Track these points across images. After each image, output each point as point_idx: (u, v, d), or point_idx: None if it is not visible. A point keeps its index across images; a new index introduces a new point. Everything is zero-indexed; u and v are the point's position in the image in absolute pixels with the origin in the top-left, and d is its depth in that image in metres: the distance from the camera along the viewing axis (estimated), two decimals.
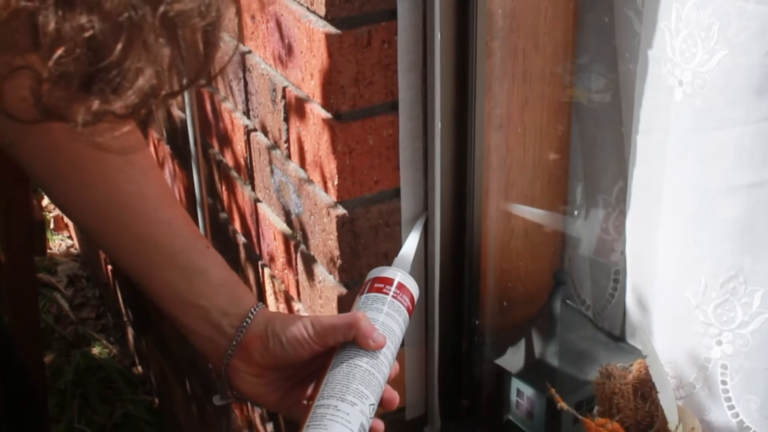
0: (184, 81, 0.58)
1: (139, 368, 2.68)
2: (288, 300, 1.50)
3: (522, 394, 1.40)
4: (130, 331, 2.68)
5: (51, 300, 2.99)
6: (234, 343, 1.01)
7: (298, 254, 1.41)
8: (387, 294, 1.03)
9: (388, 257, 1.32)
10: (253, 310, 1.02)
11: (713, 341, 1.24)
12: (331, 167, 1.24)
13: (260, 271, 1.59)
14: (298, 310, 1.47)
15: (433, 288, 1.34)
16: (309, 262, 1.38)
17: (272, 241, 1.50)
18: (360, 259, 1.30)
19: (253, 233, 1.58)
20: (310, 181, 1.32)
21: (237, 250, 1.67)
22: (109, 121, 0.58)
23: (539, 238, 1.43)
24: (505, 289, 1.44)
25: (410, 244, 1.15)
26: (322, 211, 1.29)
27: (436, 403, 1.44)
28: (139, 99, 0.55)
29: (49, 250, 3.17)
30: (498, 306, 1.44)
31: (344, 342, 0.98)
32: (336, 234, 1.27)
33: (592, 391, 1.33)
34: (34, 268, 2.27)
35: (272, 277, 1.55)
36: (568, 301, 1.40)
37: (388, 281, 1.04)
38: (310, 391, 1.03)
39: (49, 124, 0.71)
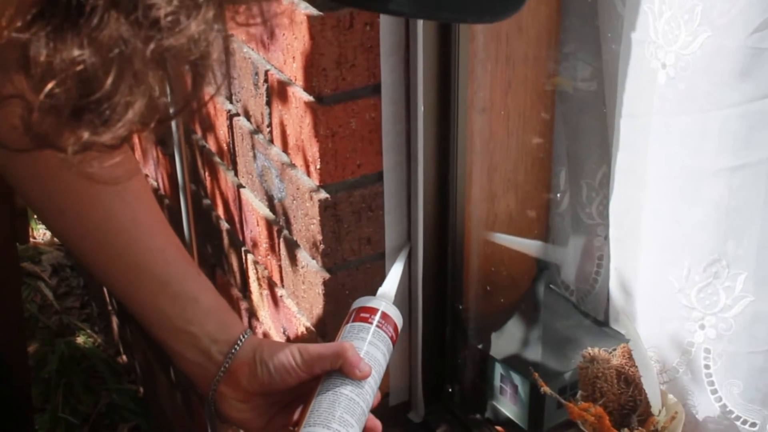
0: (172, 111, 0.58)
1: (124, 357, 2.67)
2: (271, 286, 1.49)
3: (506, 379, 1.39)
4: (114, 321, 2.67)
5: (35, 289, 2.98)
6: (222, 369, 1.02)
7: (281, 239, 1.40)
8: (371, 324, 1.05)
9: (371, 242, 1.31)
10: (242, 337, 1.03)
11: (696, 325, 1.24)
12: (313, 151, 1.24)
13: (243, 257, 1.58)
14: (281, 296, 1.47)
15: (417, 273, 1.34)
16: (292, 247, 1.37)
17: (255, 227, 1.49)
18: (343, 243, 1.29)
19: (236, 219, 1.57)
20: (292, 166, 1.31)
21: (220, 236, 1.67)
22: (99, 150, 0.58)
23: (523, 223, 1.43)
24: (488, 274, 1.43)
25: (394, 275, 1.16)
26: (305, 195, 1.29)
27: (420, 389, 1.43)
28: (128, 131, 0.56)
29: (32, 239, 3.16)
30: (481, 291, 1.44)
31: (330, 370, 1.00)
32: (319, 218, 1.27)
33: (575, 376, 1.33)
34: (16, 256, 2.25)
35: (255, 263, 1.54)
36: (551, 286, 1.39)
37: (373, 311, 1.06)
38: (295, 417, 1.04)
39: (40, 151, 0.73)
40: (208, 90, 0.59)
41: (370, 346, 1.03)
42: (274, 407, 1.05)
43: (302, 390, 1.02)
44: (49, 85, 0.53)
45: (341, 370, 0.99)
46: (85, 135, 0.56)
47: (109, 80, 0.53)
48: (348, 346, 1.00)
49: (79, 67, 0.53)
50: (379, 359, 1.03)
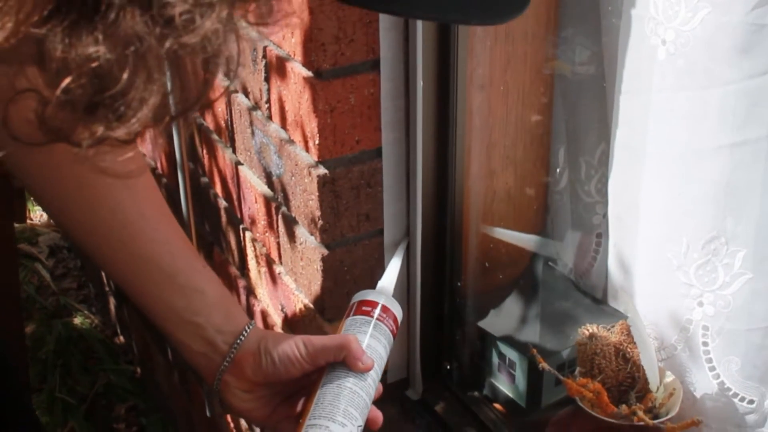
0: (183, 107, 0.59)
1: (121, 338, 2.67)
2: (269, 263, 1.49)
3: (504, 356, 1.39)
4: (111, 301, 2.67)
5: (32, 271, 2.98)
6: (227, 359, 1.04)
7: (279, 216, 1.40)
8: (372, 317, 1.06)
9: (369, 218, 1.31)
10: (247, 327, 1.05)
11: (695, 302, 1.24)
12: (312, 126, 1.23)
13: (241, 234, 1.58)
14: (279, 273, 1.46)
15: (415, 250, 1.34)
16: (290, 223, 1.37)
17: (253, 204, 1.49)
18: (341, 219, 1.29)
19: (234, 197, 1.57)
20: (291, 142, 1.31)
21: (218, 214, 1.66)
22: (112, 145, 0.59)
23: (521, 200, 1.43)
24: (487, 251, 1.43)
25: (393, 268, 1.17)
26: (303, 171, 1.28)
27: (418, 367, 1.43)
28: (142, 126, 0.56)
29: (30, 221, 3.15)
30: (480, 268, 1.43)
31: (333, 362, 1.01)
32: (317, 194, 1.27)
33: (573, 354, 1.33)
34: (13, 235, 2.25)
35: (253, 240, 1.54)
36: (550, 264, 1.39)
37: (374, 304, 1.06)
38: (298, 408, 1.06)
39: (50, 145, 0.74)
40: (220, 85, 0.59)
41: (372, 339, 1.04)
42: (276, 398, 1.06)
43: (305, 381, 1.04)
44: (65, 81, 0.54)
45: (345, 363, 1.00)
46: (100, 130, 0.57)
47: (125, 76, 0.54)
48: (352, 338, 1.01)
49: (95, 64, 0.53)
50: (381, 352, 1.04)
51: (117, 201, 1.05)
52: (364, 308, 1.06)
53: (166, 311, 1.05)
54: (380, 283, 1.12)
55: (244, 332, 1.04)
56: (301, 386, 1.05)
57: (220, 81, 0.59)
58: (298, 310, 1.43)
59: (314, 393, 1.00)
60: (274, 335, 1.05)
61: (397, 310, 1.08)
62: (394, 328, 1.07)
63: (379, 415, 1.04)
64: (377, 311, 1.06)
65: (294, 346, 1.02)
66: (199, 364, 1.06)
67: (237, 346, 1.04)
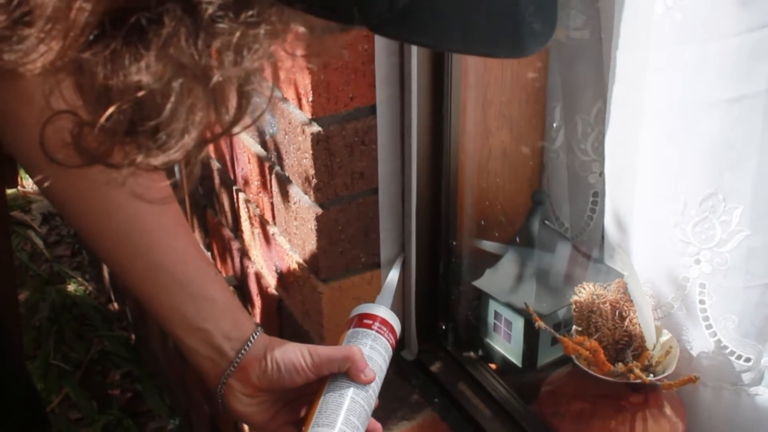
0: (220, 131, 0.59)
1: (115, 305, 2.66)
2: (263, 224, 1.48)
3: (500, 316, 1.39)
4: (105, 268, 2.66)
5: (25, 238, 2.96)
6: (234, 364, 1.07)
7: (273, 176, 1.39)
8: (373, 330, 1.09)
9: (364, 176, 1.30)
10: (254, 334, 1.08)
11: (692, 260, 1.23)
12: (305, 83, 1.22)
13: (235, 196, 1.57)
14: (273, 234, 1.45)
15: (410, 209, 1.32)
16: (284, 183, 1.36)
17: (246, 165, 1.48)
18: (335, 177, 1.28)
19: (227, 157, 1.55)
20: (284, 99, 1.30)
21: (211, 176, 1.65)
22: (148, 170, 0.59)
23: (517, 158, 1.42)
24: (482, 209, 1.42)
25: (390, 282, 1.19)
26: (297, 129, 1.27)
27: (414, 327, 1.43)
28: (183, 156, 0.57)
29: (22, 188, 3.14)
30: (475, 227, 1.42)
31: (337, 372, 1.04)
32: (311, 152, 1.25)
33: (570, 313, 1.33)
34: (5, 201, 2.23)
35: (247, 201, 1.52)
36: (546, 222, 1.38)
37: (374, 317, 1.09)
38: (299, 415, 1.09)
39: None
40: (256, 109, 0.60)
41: (372, 351, 1.07)
42: (277, 404, 1.09)
43: (306, 390, 1.06)
44: (111, 109, 0.54)
45: (348, 374, 1.03)
46: (139, 157, 0.57)
47: (168, 106, 0.54)
48: (356, 350, 1.04)
49: (141, 93, 0.53)
50: (381, 364, 1.07)
51: (136, 209, 1.07)
52: (365, 321, 1.09)
53: (176, 317, 1.08)
54: (379, 297, 1.15)
55: (251, 339, 1.07)
56: (302, 394, 1.08)
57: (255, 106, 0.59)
58: (292, 270, 1.42)
59: (317, 401, 1.03)
60: (280, 343, 1.08)
61: (396, 324, 1.11)
62: (394, 341, 1.11)
63: (378, 427, 1.08)
64: (377, 324, 1.09)
65: (300, 355, 1.05)
66: (204, 367, 1.09)
67: (244, 352, 1.07)
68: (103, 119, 0.54)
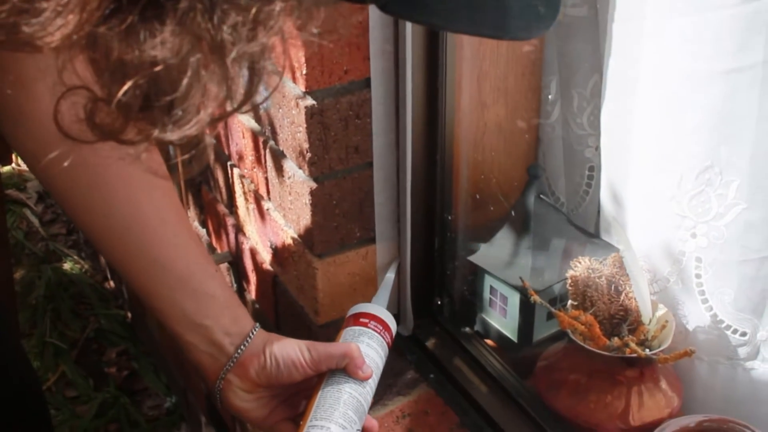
0: (230, 109, 0.59)
1: (111, 283, 2.66)
2: (257, 199, 1.47)
3: (495, 291, 1.38)
4: None
5: (21, 216, 2.96)
6: (233, 360, 1.08)
7: (267, 150, 1.38)
8: (370, 328, 1.11)
9: (358, 150, 1.29)
10: (253, 330, 1.09)
11: (688, 234, 1.23)
12: (299, 56, 1.21)
13: (229, 171, 1.56)
14: (267, 209, 1.45)
15: (405, 183, 1.32)
16: (278, 157, 1.35)
17: (241, 139, 1.47)
18: (330, 152, 1.27)
19: (222, 132, 1.55)
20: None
21: (206, 158, 1.64)
22: (161, 146, 0.60)
23: (513, 132, 1.41)
24: (477, 183, 1.41)
25: (386, 285, 1.23)
26: (291, 102, 1.26)
27: (409, 302, 1.42)
28: (198, 131, 0.57)
29: (17, 167, 3.13)
30: (471, 201, 1.42)
31: (335, 368, 1.06)
32: (305, 126, 1.24)
33: (565, 288, 1.32)
34: (0, 181, 2.22)
35: (241, 176, 1.52)
36: (542, 197, 1.37)
37: (370, 316, 1.12)
38: (299, 410, 1.10)
39: (77, 146, 0.74)
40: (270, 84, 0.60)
41: (369, 348, 1.09)
42: (275, 400, 1.10)
43: (304, 385, 1.08)
44: (126, 85, 0.54)
45: (346, 370, 1.05)
46: (154, 132, 0.56)
47: (184, 82, 0.54)
48: (354, 347, 1.06)
49: (157, 68, 0.53)
50: (377, 362, 1.10)
51: (138, 205, 1.07)
52: (361, 320, 1.12)
53: (177, 313, 1.09)
54: (375, 298, 1.18)
55: (250, 335, 1.09)
56: (299, 390, 1.09)
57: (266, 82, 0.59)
58: (287, 246, 1.42)
59: (315, 396, 1.05)
60: (278, 339, 1.09)
61: (392, 324, 1.14)
62: (390, 340, 1.13)
63: (374, 424, 1.09)
64: (373, 323, 1.12)
65: (299, 351, 1.06)
66: (203, 362, 1.10)
67: (243, 348, 1.08)
68: (119, 95, 0.54)
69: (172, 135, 0.56)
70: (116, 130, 0.57)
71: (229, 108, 0.59)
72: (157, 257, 1.08)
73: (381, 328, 1.12)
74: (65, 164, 1.03)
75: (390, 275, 1.30)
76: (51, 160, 1.05)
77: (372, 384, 1.08)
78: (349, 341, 1.10)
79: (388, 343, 1.13)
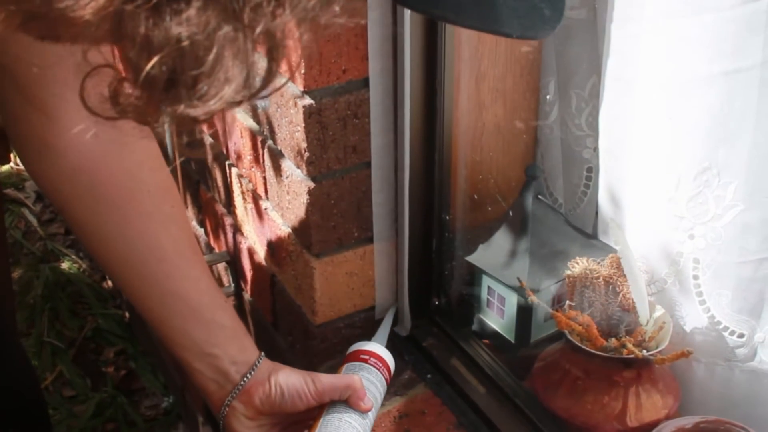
0: (248, 95, 0.59)
1: (109, 282, 2.66)
2: (255, 199, 1.47)
3: (493, 291, 1.38)
4: None
5: (19, 216, 2.96)
6: (238, 388, 1.11)
7: (265, 150, 1.38)
8: (370, 364, 1.16)
9: (356, 150, 1.29)
10: (258, 359, 1.12)
11: (685, 235, 1.22)
12: (297, 55, 1.21)
13: (228, 171, 1.56)
14: (265, 209, 1.45)
15: (403, 183, 1.32)
16: (276, 157, 1.35)
17: (239, 139, 1.47)
18: (328, 151, 1.27)
19: (220, 132, 1.54)
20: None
21: (204, 151, 1.64)
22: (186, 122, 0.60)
23: (511, 133, 1.41)
24: (475, 184, 1.41)
25: (384, 329, 1.28)
26: (289, 102, 1.26)
27: (406, 303, 1.42)
28: (222, 107, 0.57)
29: (15, 166, 3.13)
30: (469, 201, 1.42)
31: (337, 400, 1.10)
32: (303, 125, 1.24)
33: (563, 288, 1.32)
34: None
35: (240, 176, 1.52)
36: (540, 197, 1.37)
37: (370, 353, 1.17)
38: None
39: (100, 174, 0.85)
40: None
41: (369, 383, 1.13)
42: (275, 428, 1.13)
43: (305, 416, 1.11)
44: (152, 61, 0.53)
45: (348, 401, 1.09)
46: (180, 108, 0.56)
47: (210, 57, 0.54)
48: (357, 379, 1.11)
49: (184, 44, 0.53)
50: (377, 396, 1.14)
51: (153, 236, 1.10)
52: (362, 356, 1.17)
53: (187, 342, 1.11)
54: (374, 338, 1.24)
55: (256, 364, 1.11)
56: (300, 419, 1.12)
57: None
58: (284, 245, 1.42)
59: (316, 425, 1.09)
60: (283, 368, 1.12)
61: (391, 362, 1.19)
62: (388, 377, 1.18)
63: None
64: (373, 359, 1.17)
65: (303, 382, 1.10)
66: (209, 389, 1.12)
67: (249, 376, 1.11)
68: (145, 70, 0.54)
69: (197, 110, 0.56)
70: (141, 108, 0.57)
71: (248, 92, 0.59)
72: (173, 288, 1.11)
73: (380, 364, 1.16)
74: (86, 198, 1.06)
75: (388, 318, 1.34)
76: (72, 190, 1.07)
77: (371, 417, 1.11)
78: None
79: (386, 380, 1.17)
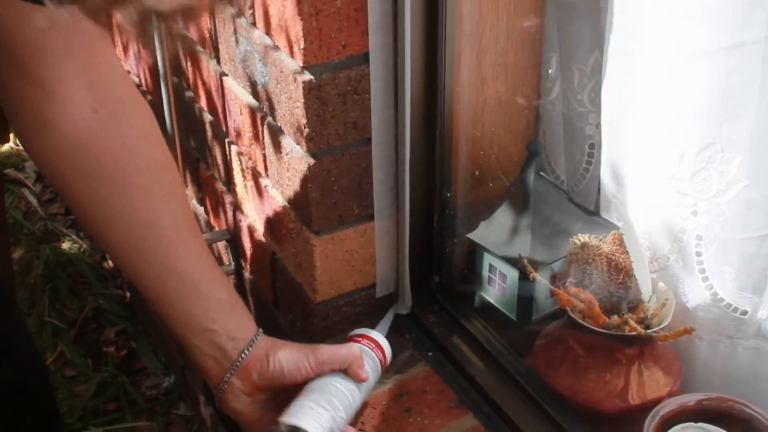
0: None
1: (110, 263, 2.65)
2: (255, 176, 1.46)
3: (494, 268, 1.37)
4: None
5: (19, 196, 2.95)
6: (236, 364, 1.11)
7: (265, 127, 1.37)
8: (365, 345, 1.19)
9: (357, 126, 1.28)
10: (256, 335, 1.12)
11: (689, 211, 1.22)
12: (296, 30, 1.20)
13: (227, 148, 1.55)
14: (265, 186, 1.44)
15: (404, 159, 1.30)
16: (276, 133, 1.34)
17: (238, 116, 1.46)
18: (328, 127, 1.26)
19: (219, 110, 1.53)
20: (275, 48, 1.27)
21: (203, 129, 1.63)
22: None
23: (513, 108, 1.40)
24: (477, 160, 1.40)
25: (383, 326, 1.32)
26: (289, 78, 1.25)
27: (407, 280, 1.41)
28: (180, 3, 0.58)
29: (15, 146, 3.12)
30: (470, 178, 1.41)
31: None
32: (303, 101, 1.23)
33: (565, 266, 1.31)
34: None
35: (239, 154, 1.51)
36: (541, 174, 1.36)
37: (368, 337, 1.20)
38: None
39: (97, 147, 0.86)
40: None
41: (366, 358, 1.16)
42: (270, 403, 1.13)
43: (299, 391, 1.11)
44: None
45: (347, 370, 1.12)
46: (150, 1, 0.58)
47: None
48: (357, 348, 1.14)
49: None
50: (371, 375, 1.16)
51: (155, 213, 1.10)
52: (357, 338, 1.20)
53: (186, 319, 1.11)
54: (377, 328, 1.27)
55: (254, 340, 1.12)
56: (292, 395, 1.12)
57: None
58: (285, 223, 1.41)
59: (305, 385, 1.11)
60: (282, 344, 1.13)
61: (388, 350, 1.21)
62: (383, 361, 1.20)
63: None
64: (371, 344, 1.19)
65: (303, 355, 1.11)
66: (207, 365, 1.13)
67: (247, 352, 1.11)
68: None
69: (164, 3, 0.57)
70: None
71: None
72: (171, 265, 1.11)
73: (375, 347, 1.19)
74: (84, 174, 1.05)
75: (390, 313, 1.37)
76: (70, 166, 1.06)
77: (363, 390, 1.13)
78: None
79: (381, 362, 1.19)
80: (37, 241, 2.75)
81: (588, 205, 1.41)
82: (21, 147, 3.07)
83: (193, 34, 1.56)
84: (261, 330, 1.13)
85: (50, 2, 0.58)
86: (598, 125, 1.35)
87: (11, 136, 3.05)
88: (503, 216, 1.36)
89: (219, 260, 1.74)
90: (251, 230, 1.56)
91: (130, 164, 1.08)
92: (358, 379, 1.12)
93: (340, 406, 1.10)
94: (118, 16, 0.60)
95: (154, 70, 1.68)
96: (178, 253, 1.11)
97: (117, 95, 1.08)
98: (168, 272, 1.11)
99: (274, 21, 1.25)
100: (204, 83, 1.56)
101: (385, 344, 1.21)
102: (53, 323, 2.46)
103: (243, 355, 1.11)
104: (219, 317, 1.12)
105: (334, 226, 1.35)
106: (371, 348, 1.19)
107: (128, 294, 2.53)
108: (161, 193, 1.10)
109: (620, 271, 1.23)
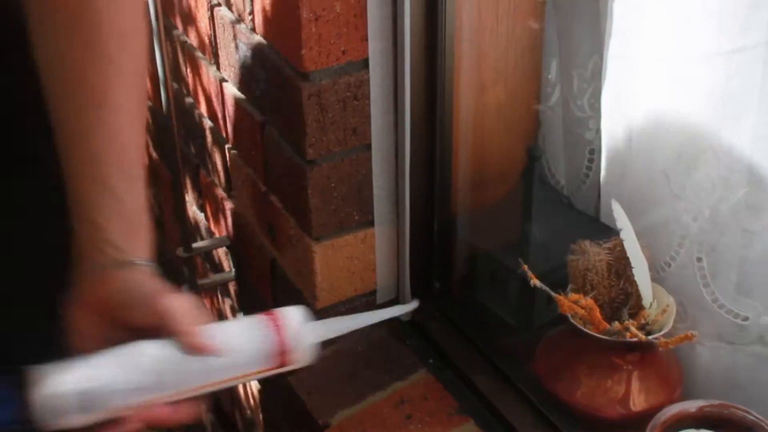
0: None
1: None
2: (255, 183, 1.46)
3: (495, 275, 1.37)
4: None
5: None
6: (96, 271, 0.90)
7: (265, 132, 1.37)
8: (259, 322, 0.91)
9: (356, 132, 1.28)
10: (139, 259, 0.91)
11: (689, 217, 1.21)
12: (296, 36, 1.20)
13: (227, 154, 1.55)
14: (265, 193, 1.44)
15: (404, 165, 1.30)
16: (276, 139, 1.34)
17: (238, 122, 1.46)
18: (327, 133, 1.26)
19: (219, 116, 1.53)
20: (275, 54, 1.27)
21: (203, 134, 1.63)
22: None
23: (512, 114, 1.40)
24: (477, 165, 1.40)
25: (352, 317, 0.99)
26: (288, 84, 1.25)
27: (408, 286, 1.41)
28: None
29: None
30: (470, 183, 1.41)
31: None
32: (302, 107, 1.23)
33: (565, 271, 1.31)
34: None
35: (239, 159, 1.50)
36: (541, 179, 1.36)
37: (273, 315, 0.92)
38: None
39: None
40: None
41: (240, 336, 0.90)
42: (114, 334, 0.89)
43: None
44: None
45: (180, 338, 0.87)
46: None
47: None
48: (200, 318, 0.89)
49: None
50: (234, 356, 0.90)
51: (103, 80, 0.91)
52: (269, 314, 0.92)
53: (80, 195, 0.91)
54: (328, 320, 0.95)
55: (133, 261, 0.90)
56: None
57: None
58: (284, 229, 1.41)
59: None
60: (150, 279, 0.91)
61: (296, 336, 0.91)
62: (280, 344, 0.90)
63: (165, 412, 0.89)
64: (270, 321, 0.91)
65: (151, 293, 0.88)
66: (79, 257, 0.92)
67: (117, 268, 0.89)
68: None
69: None
70: None
71: None
72: (102, 102, 0.92)
73: (273, 327, 0.90)
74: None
75: (386, 310, 1.02)
76: None
77: (203, 367, 0.87)
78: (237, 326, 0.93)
79: (276, 346, 0.90)
80: None
81: (588, 210, 1.41)
82: None
83: (192, 40, 1.56)
84: (152, 263, 0.92)
85: None
86: (598, 130, 1.35)
87: None
88: (503, 221, 1.36)
89: (219, 267, 1.74)
90: (251, 237, 1.55)
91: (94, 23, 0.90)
92: (189, 350, 0.86)
93: (134, 379, 0.84)
94: None
95: (153, 76, 1.68)
96: (114, 130, 0.92)
97: None
98: (88, 138, 0.92)
99: (273, 27, 1.25)
100: (204, 89, 1.57)
101: (292, 327, 0.90)
102: None
103: (107, 266, 0.88)
104: (110, 215, 0.91)
105: (334, 233, 1.34)
106: (266, 327, 0.90)
107: None
108: (117, 61, 0.91)
109: (621, 278, 1.23)
